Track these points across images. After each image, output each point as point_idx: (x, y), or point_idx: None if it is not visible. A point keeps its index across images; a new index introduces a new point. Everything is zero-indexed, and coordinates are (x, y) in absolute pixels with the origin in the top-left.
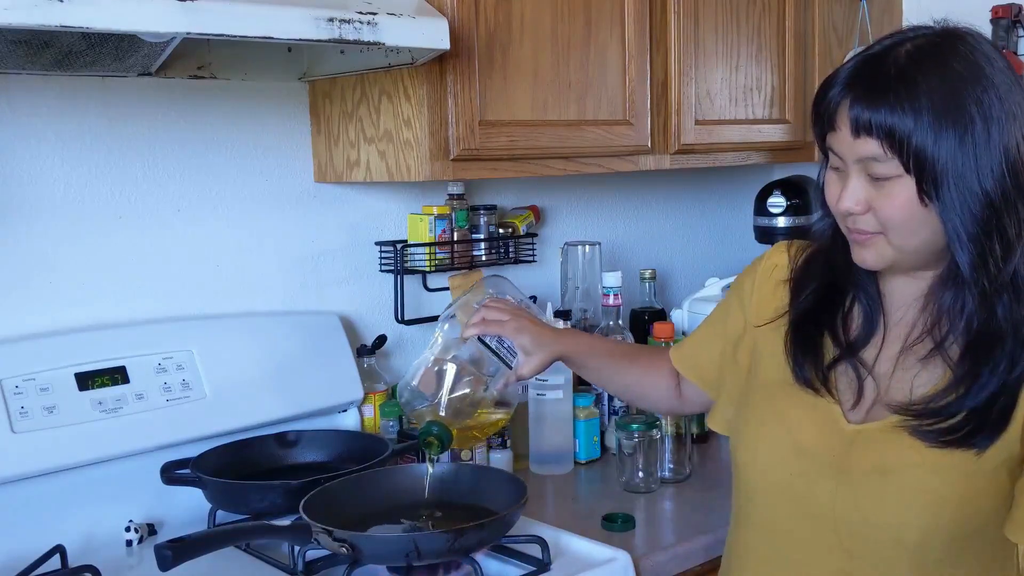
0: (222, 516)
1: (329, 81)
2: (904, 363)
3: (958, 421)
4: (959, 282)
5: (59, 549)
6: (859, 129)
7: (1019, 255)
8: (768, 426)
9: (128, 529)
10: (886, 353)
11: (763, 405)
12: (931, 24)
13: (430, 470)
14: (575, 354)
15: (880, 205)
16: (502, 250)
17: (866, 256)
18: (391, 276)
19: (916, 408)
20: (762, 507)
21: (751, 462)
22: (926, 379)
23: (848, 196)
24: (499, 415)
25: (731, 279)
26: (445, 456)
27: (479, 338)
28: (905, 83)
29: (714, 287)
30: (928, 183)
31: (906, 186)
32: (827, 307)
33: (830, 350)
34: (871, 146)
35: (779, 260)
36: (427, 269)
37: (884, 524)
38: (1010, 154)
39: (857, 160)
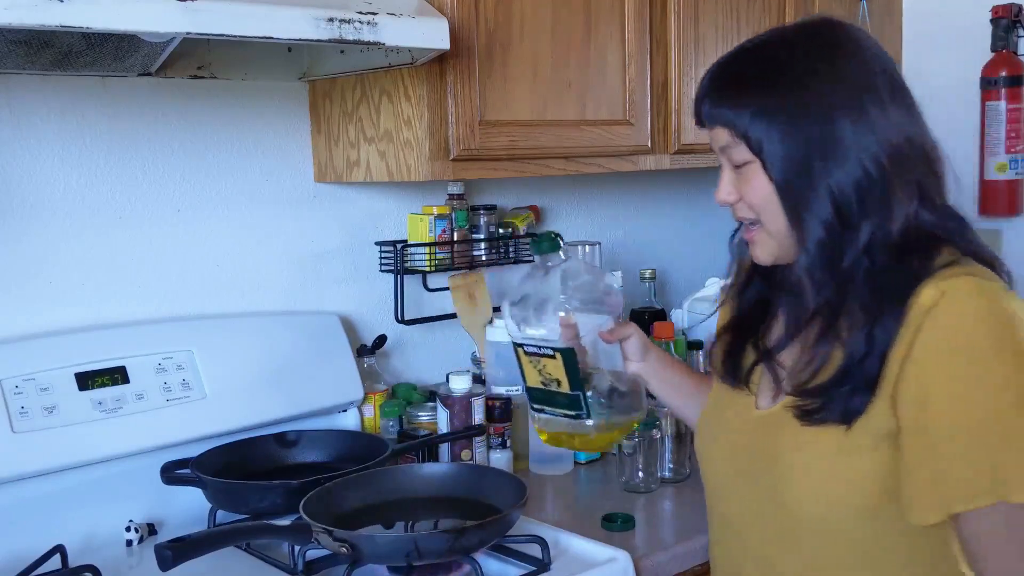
0: (222, 516)
1: (329, 81)
2: (800, 350)
3: (818, 397)
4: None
5: (59, 549)
6: (710, 120)
7: (844, 229)
8: (709, 425)
9: (128, 529)
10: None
11: (708, 407)
12: (804, 18)
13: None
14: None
15: (744, 191)
16: (502, 250)
17: (756, 252)
18: (391, 276)
19: (793, 389)
20: (713, 500)
21: (699, 459)
22: (804, 361)
23: (721, 188)
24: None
25: (731, 279)
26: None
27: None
28: (744, 74)
29: (714, 287)
30: (768, 166)
31: (759, 169)
32: (754, 316)
33: (752, 355)
34: (722, 134)
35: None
36: (427, 269)
37: (788, 506)
38: (835, 134)
39: (719, 151)
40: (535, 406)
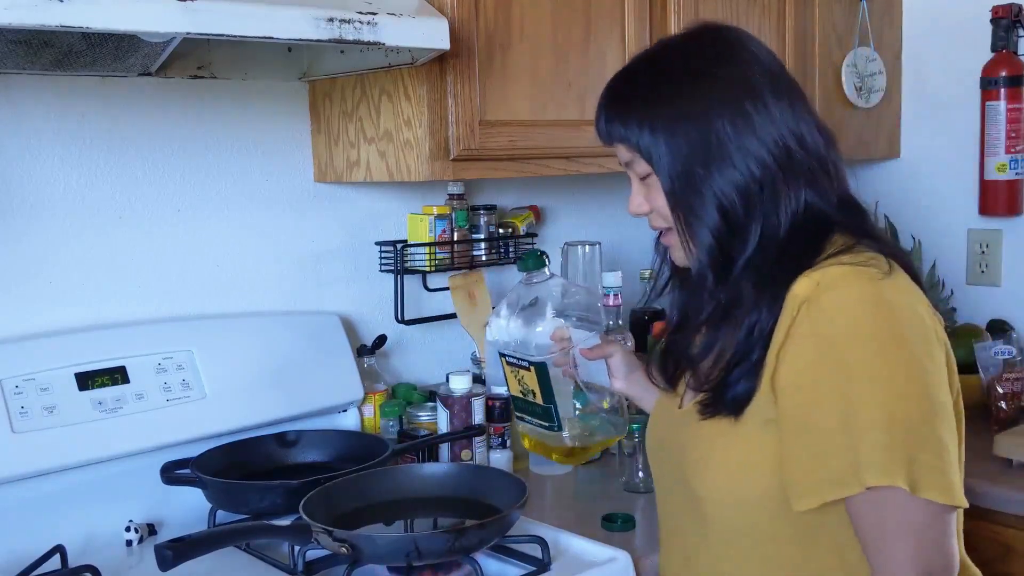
0: (222, 516)
1: (329, 81)
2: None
3: (712, 392)
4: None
5: (59, 549)
6: (607, 138)
7: (732, 233)
8: (649, 426)
9: (128, 529)
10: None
11: (653, 410)
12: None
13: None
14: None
15: (651, 201)
16: (502, 250)
17: (674, 256)
18: (391, 276)
19: (697, 387)
20: (656, 491)
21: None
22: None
23: (631, 201)
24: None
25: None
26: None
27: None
28: (631, 89)
29: None
30: (659, 175)
31: (659, 180)
32: (685, 323)
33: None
34: (622, 150)
35: None
36: (427, 269)
37: (698, 499)
38: (715, 138)
39: (625, 165)
40: (517, 414)
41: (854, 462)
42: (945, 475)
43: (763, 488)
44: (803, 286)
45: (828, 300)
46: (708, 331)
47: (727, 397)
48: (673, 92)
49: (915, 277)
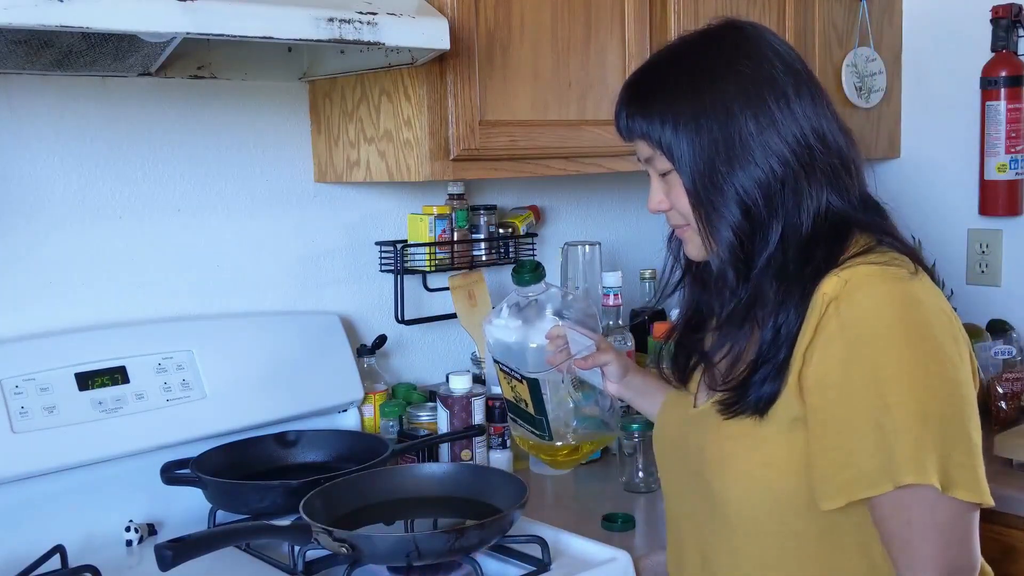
0: (222, 516)
1: (329, 81)
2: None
3: (735, 390)
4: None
5: (59, 549)
6: (628, 134)
7: (753, 231)
8: (658, 423)
9: (128, 529)
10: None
11: (661, 407)
12: (707, 24)
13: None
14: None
15: (671, 198)
16: (502, 250)
17: (688, 250)
18: (391, 276)
19: (717, 386)
20: (664, 495)
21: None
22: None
23: (651, 197)
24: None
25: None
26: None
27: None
28: (653, 85)
29: None
30: (680, 172)
31: (680, 177)
32: (698, 317)
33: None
34: (642, 146)
35: None
36: (427, 269)
37: (716, 498)
38: (738, 134)
39: (644, 162)
40: (510, 415)
41: (886, 460)
42: (975, 473)
43: (788, 487)
44: (831, 285)
45: (858, 299)
46: (724, 329)
47: (751, 397)
48: (696, 88)
49: (931, 277)
